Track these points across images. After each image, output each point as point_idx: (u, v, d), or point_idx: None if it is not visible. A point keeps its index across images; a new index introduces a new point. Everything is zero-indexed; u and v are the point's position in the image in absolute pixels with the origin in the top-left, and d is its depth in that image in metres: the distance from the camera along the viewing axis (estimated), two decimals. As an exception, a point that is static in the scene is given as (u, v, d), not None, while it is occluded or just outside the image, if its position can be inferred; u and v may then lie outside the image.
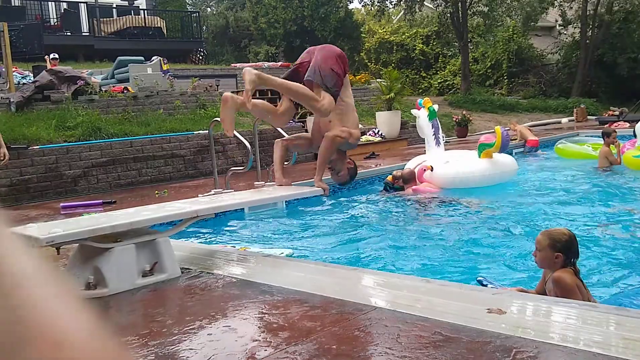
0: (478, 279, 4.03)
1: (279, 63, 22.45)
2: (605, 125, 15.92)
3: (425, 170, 8.36)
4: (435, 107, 9.34)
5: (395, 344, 2.54)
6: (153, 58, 15.11)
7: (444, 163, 8.47)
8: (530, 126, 16.31)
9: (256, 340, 2.72)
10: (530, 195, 7.87)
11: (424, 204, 7.63)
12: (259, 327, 2.97)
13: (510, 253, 5.13)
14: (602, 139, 9.79)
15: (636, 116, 15.83)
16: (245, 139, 7.47)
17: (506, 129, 8.55)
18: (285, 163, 8.39)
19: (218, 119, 7.90)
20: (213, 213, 4.52)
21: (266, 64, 22.47)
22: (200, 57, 24.70)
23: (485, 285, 3.81)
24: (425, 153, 9.28)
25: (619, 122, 16.26)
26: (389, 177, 8.65)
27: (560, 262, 3.40)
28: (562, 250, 3.41)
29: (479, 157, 8.27)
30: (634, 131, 9.55)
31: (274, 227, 6.69)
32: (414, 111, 9.72)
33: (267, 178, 7.62)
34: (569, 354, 2.32)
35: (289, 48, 24.23)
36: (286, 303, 3.21)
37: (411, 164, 8.97)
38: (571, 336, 2.52)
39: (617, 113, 17.87)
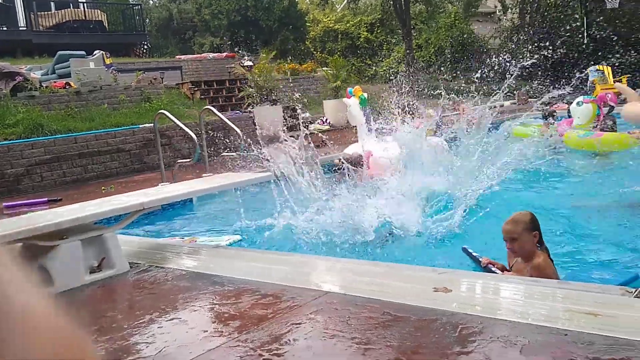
0: (463, 247, 4.14)
1: (224, 54, 22.20)
2: (546, 107, 16.39)
3: (369, 155, 8.45)
4: (366, 95, 9.48)
5: (346, 326, 2.58)
6: (95, 52, 14.73)
7: (382, 150, 8.63)
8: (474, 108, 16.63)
9: (207, 331, 2.72)
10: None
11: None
12: (210, 318, 2.97)
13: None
14: (542, 120, 10.14)
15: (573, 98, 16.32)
16: (191, 130, 7.41)
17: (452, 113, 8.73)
18: (187, 161, 8.30)
19: (163, 111, 7.84)
20: (160, 205, 4.47)
21: (211, 55, 22.20)
22: (144, 50, 24.19)
23: (470, 254, 3.91)
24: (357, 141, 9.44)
25: (558, 104, 16.76)
26: (336, 161, 8.73)
27: (537, 239, 3.51)
28: (536, 227, 3.52)
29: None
30: (568, 112, 9.87)
31: (225, 217, 6.64)
32: (345, 100, 9.86)
33: (216, 169, 7.59)
34: (514, 328, 2.41)
35: (234, 39, 24.00)
36: (237, 293, 3.22)
37: (349, 151, 9.08)
38: (518, 311, 2.61)
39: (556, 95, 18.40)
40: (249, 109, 13.65)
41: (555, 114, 10.12)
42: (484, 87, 23.20)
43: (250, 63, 16.82)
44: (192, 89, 14.88)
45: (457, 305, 2.69)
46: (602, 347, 2.15)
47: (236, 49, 21.31)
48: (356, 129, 9.46)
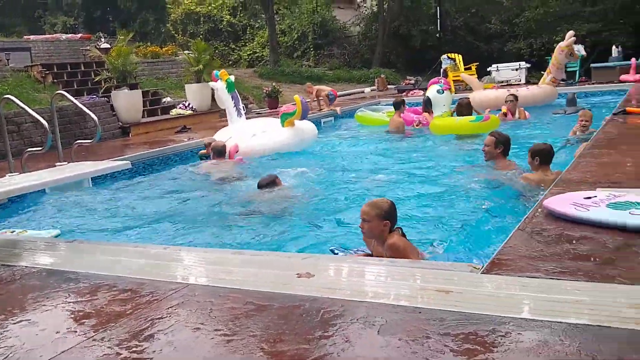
0: (330, 248, 4.20)
1: (79, 35, 20.93)
2: (402, 94, 17.16)
3: (237, 150, 8.36)
4: (232, 78, 9.42)
5: (208, 318, 2.54)
6: None
7: (251, 136, 8.62)
8: (339, 95, 17.04)
9: (60, 332, 2.55)
10: (336, 164, 8.25)
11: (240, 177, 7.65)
12: (63, 317, 2.79)
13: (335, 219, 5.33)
14: (394, 108, 10.57)
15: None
16: (42, 117, 6.92)
17: (307, 100, 8.85)
18: (89, 141, 8.00)
19: (9, 96, 7.25)
20: (5, 198, 4.13)
21: (64, 36, 20.85)
22: (-15, 28, 22.18)
23: (337, 254, 4.00)
24: (227, 125, 9.37)
25: (414, 90, 17.60)
26: (202, 152, 8.59)
27: (387, 228, 3.66)
28: (389, 218, 3.68)
29: (282, 126, 8.54)
30: (426, 100, 10.32)
31: (79, 208, 6.28)
32: (211, 84, 9.74)
33: (70, 158, 7.15)
34: (372, 309, 2.49)
35: (89, 18, 22.65)
36: (93, 289, 3.06)
37: (218, 136, 8.97)
38: (377, 292, 2.71)
39: (412, 82, 19.31)
40: (106, 93, 12.98)
41: (404, 102, 10.62)
42: (345, 74, 23.73)
43: (108, 45, 16.02)
44: (43, 72, 13.88)
45: (319, 290, 2.74)
46: (453, 322, 2.28)
47: (92, 31, 20.18)
48: (225, 113, 9.35)
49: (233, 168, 7.82)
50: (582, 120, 7.68)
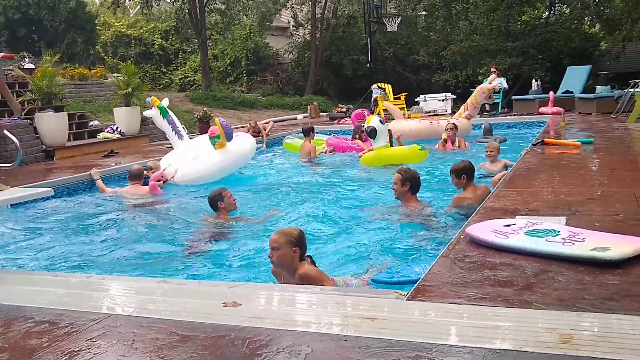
0: None
1: (1, 54, 20.14)
2: (334, 122, 17.38)
3: (160, 180, 8.11)
4: (165, 101, 9.33)
5: (130, 350, 2.46)
6: None
7: (184, 163, 8.56)
8: (266, 122, 17.04)
9: (-31, 368, 2.42)
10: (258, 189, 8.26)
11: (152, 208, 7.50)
12: (-27, 352, 2.64)
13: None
14: (304, 135, 10.74)
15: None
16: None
17: (226, 122, 8.70)
18: (8, 165, 7.67)
19: None
20: None
21: (-15, 54, 20.01)
22: None
23: None
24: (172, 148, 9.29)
25: (346, 119, 17.85)
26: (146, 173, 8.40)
27: (297, 257, 3.66)
28: (299, 245, 3.68)
29: (215, 149, 8.51)
30: (359, 127, 10.49)
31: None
32: (146, 112, 9.61)
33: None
34: (298, 337, 2.48)
35: (13, 37, 21.85)
36: (7, 322, 2.91)
37: (162, 162, 8.86)
38: (303, 320, 2.70)
39: (344, 110, 19.59)
40: (29, 115, 12.51)
41: (313, 129, 10.83)
42: (278, 100, 23.86)
43: (32, 65, 15.48)
44: (-40, 91, 13.23)
45: (246, 319, 2.71)
46: (377, 349, 2.30)
47: (16, 50, 19.47)
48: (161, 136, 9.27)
49: (146, 196, 7.69)
50: (488, 151, 7.97)
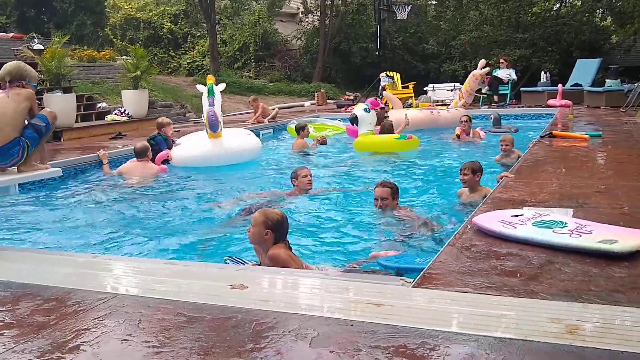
0: (225, 258, 4.14)
1: (10, 35, 20.13)
2: (342, 109, 17.33)
3: (167, 157, 8.31)
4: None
5: (137, 329, 2.48)
6: None
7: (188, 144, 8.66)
8: (279, 108, 17.02)
9: (-23, 343, 2.44)
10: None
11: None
12: (-20, 328, 2.66)
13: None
14: (296, 132, 10.73)
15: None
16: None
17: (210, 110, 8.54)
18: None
19: None
20: None
21: (-6, 34, 20.02)
22: None
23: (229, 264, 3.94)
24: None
25: (353, 107, 17.80)
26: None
27: (270, 239, 3.67)
28: (273, 228, 3.68)
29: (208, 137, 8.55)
30: (353, 117, 10.40)
31: (3, 215, 6.02)
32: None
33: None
34: (305, 321, 2.49)
35: (23, 17, 21.84)
36: (15, 299, 2.93)
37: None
38: (310, 304, 2.72)
39: (352, 98, 19.52)
40: (38, 96, 12.53)
41: (307, 126, 10.82)
42: (285, 87, 23.81)
43: (41, 47, 15.47)
44: (-31, 71, 13.25)
45: (252, 302, 2.72)
46: (383, 335, 2.31)
47: (26, 31, 19.45)
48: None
49: (149, 174, 7.74)
50: (503, 145, 7.92)
